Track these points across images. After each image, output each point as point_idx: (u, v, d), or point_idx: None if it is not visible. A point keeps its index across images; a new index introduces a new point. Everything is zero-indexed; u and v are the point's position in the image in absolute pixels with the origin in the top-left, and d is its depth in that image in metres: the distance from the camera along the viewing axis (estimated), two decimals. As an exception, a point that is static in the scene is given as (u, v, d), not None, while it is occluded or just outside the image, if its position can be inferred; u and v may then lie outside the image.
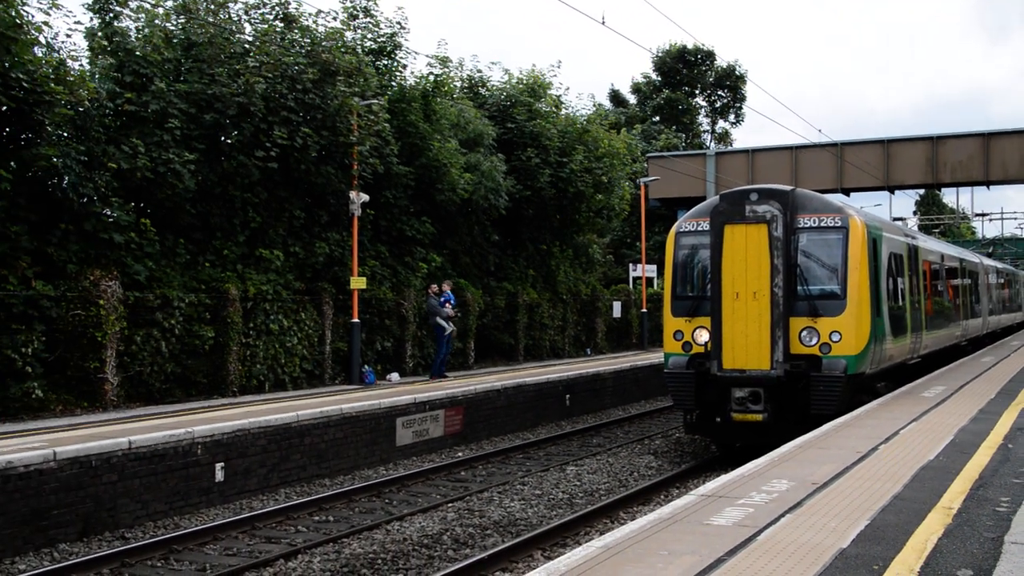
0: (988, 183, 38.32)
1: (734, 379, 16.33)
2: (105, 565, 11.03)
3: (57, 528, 11.88)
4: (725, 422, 16.74)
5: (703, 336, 16.80)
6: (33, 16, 17.21)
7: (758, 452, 12.86)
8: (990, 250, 59.89)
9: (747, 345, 16.19)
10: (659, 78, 63.85)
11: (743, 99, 65.12)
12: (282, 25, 22.72)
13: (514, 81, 32.39)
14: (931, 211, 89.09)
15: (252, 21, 22.74)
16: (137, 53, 19.29)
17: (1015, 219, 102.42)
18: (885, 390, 18.92)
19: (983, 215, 63.78)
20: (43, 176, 17.35)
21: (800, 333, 16.16)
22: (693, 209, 18.24)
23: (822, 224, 16.60)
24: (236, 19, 22.24)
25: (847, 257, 16.41)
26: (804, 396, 16.13)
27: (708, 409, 17.08)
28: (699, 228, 17.34)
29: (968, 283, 30.81)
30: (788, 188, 17.05)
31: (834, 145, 39.63)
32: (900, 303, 19.58)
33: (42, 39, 17.41)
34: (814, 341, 16.11)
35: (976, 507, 8.90)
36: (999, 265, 45.22)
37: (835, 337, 16.05)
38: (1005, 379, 20.98)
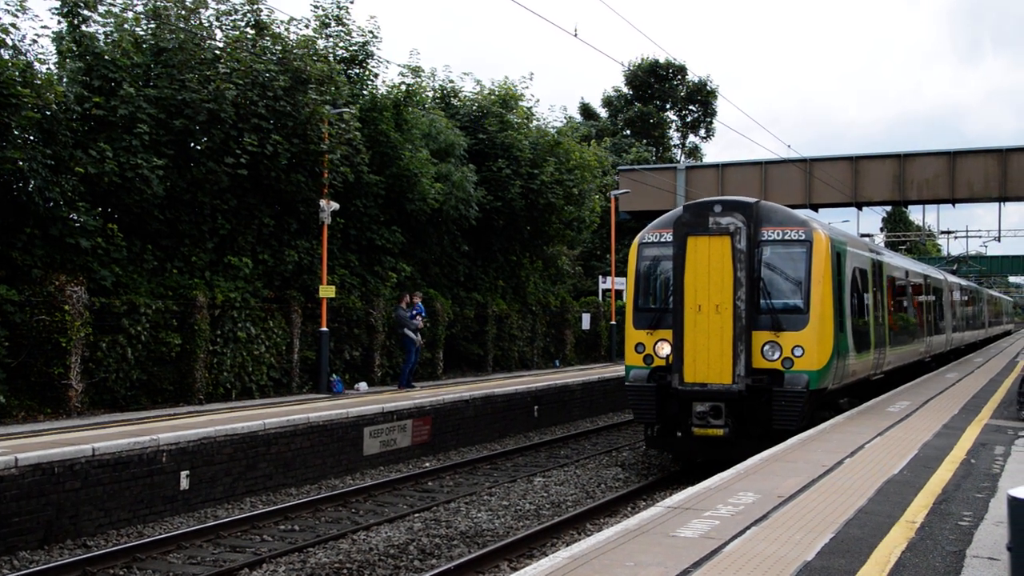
0: (954, 201, 38.73)
1: (695, 393, 16.15)
2: (67, 573, 10.89)
3: (17, 536, 11.71)
4: (686, 436, 16.57)
5: (665, 349, 16.63)
6: (0, 18, 17.09)
7: (722, 467, 12.82)
8: (954, 267, 60.52)
9: (709, 359, 16.04)
10: (630, 92, 64.11)
11: (714, 114, 65.54)
12: (253, 32, 22.62)
13: (486, 92, 32.46)
14: (898, 228, 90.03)
15: (223, 27, 22.64)
16: (106, 57, 19.16)
17: (979, 237, 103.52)
18: (848, 406, 18.92)
19: (948, 233, 64.24)
20: (9, 179, 17.18)
21: (762, 347, 16.05)
22: (657, 220, 18.09)
23: (786, 237, 16.48)
24: (207, 25, 22.12)
25: (810, 271, 16.29)
26: (766, 411, 15.99)
27: (669, 423, 16.90)
28: (662, 239, 17.21)
29: (932, 300, 31.04)
30: (752, 200, 16.91)
31: (803, 161, 39.94)
32: (864, 318, 19.56)
33: (9, 41, 17.25)
34: (776, 355, 16.00)
35: (939, 521, 8.99)
36: (963, 282, 45.71)
37: (797, 352, 15.94)
38: (968, 395, 21.22)
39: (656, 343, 16.80)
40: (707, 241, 16.24)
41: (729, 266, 16.05)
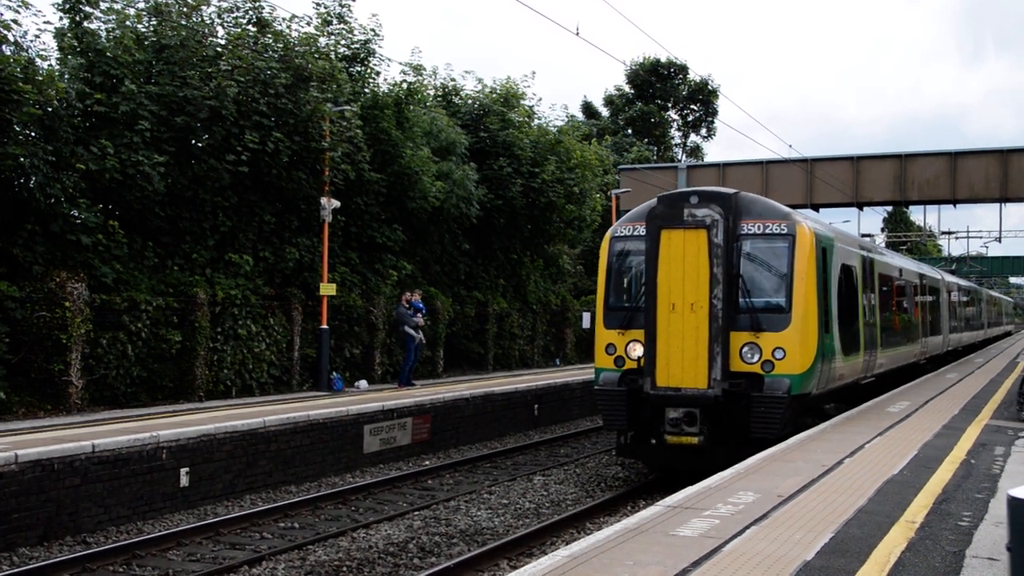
0: (955, 202, 38.68)
1: (668, 398, 14.97)
2: (66, 570, 10.90)
3: (17, 532, 11.71)
4: (659, 444, 15.31)
5: (637, 350, 15.43)
6: (2, 14, 17.09)
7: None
8: (952, 267, 60.46)
9: (683, 361, 14.87)
10: (632, 91, 64.05)
11: (715, 113, 65.45)
12: (255, 29, 22.64)
13: (487, 90, 32.43)
14: (899, 228, 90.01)
15: (225, 25, 22.66)
16: (107, 54, 19.16)
17: (980, 238, 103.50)
18: (835, 412, 18.26)
19: (949, 233, 64.12)
20: (10, 176, 17.17)
21: (741, 349, 14.88)
22: (630, 212, 16.94)
23: (767, 231, 15.29)
24: (209, 22, 22.14)
25: (793, 267, 15.12)
26: (744, 417, 14.80)
27: (642, 430, 15.69)
28: (635, 232, 16.05)
29: (929, 299, 30.53)
30: (731, 191, 15.75)
31: (804, 161, 39.89)
32: (853, 318, 18.55)
33: (10, 37, 17.25)
34: (756, 358, 14.84)
35: (939, 521, 8.99)
36: (962, 282, 45.56)
37: (779, 354, 14.78)
38: (968, 396, 21.20)
39: (628, 344, 15.62)
40: (682, 235, 15.07)
41: (705, 262, 14.89)
